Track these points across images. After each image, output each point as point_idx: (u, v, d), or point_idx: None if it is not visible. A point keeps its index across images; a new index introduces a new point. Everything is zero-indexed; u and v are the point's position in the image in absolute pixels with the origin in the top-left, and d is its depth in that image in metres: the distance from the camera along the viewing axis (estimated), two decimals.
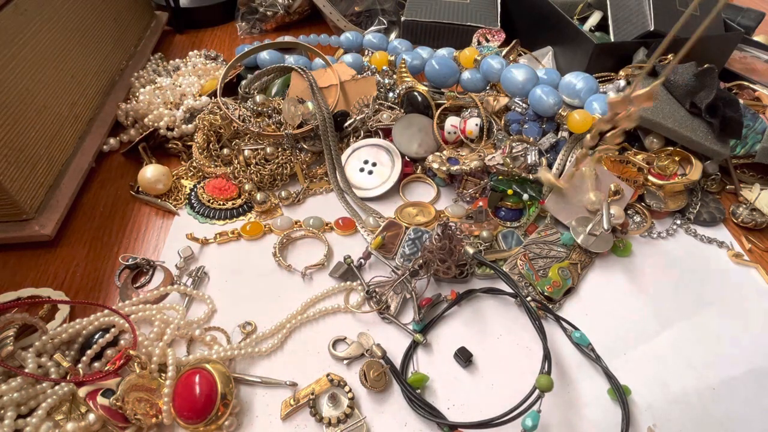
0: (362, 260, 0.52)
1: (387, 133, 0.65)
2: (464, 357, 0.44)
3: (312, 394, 0.41)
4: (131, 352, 0.40)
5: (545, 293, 0.49)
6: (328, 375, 0.42)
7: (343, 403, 0.41)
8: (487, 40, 0.77)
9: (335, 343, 0.46)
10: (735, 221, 0.59)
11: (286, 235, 0.54)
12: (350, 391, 0.41)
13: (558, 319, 0.47)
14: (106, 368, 0.41)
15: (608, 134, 0.46)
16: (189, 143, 0.65)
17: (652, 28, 0.67)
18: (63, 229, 0.55)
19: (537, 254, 0.52)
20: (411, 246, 0.52)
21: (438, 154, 0.60)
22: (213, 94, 0.68)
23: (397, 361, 0.44)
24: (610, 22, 0.73)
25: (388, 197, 0.60)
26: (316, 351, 0.45)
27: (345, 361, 0.44)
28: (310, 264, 0.51)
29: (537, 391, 0.38)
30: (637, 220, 0.58)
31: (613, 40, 0.72)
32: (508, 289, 0.49)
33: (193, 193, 0.59)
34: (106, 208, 0.59)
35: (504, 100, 0.65)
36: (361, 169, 0.62)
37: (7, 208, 0.51)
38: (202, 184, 0.60)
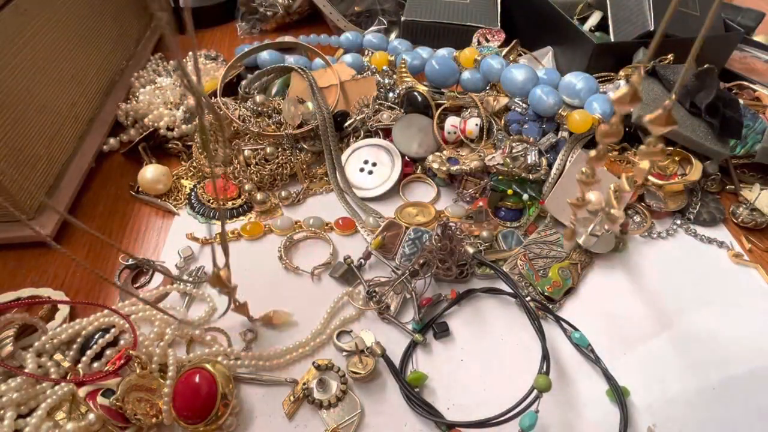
0: (362, 260, 0.52)
1: (387, 133, 0.65)
2: (440, 329, 0.46)
3: (304, 385, 0.41)
4: (131, 352, 0.40)
5: (545, 293, 0.49)
6: (314, 363, 0.42)
7: (332, 386, 0.42)
8: (487, 40, 0.77)
9: (340, 334, 0.46)
10: (735, 221, 0.59)
11: (289, 237, 0.54)
12: (339, 370, 0.42)
13: (558, 320, 0.47)
14: (106, 368, 0.41)
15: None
16: (189, 143, 0.65)
17: (652, 28, 0.67)
18: (63, 229, 0.55)
19: (537, 254, 0.52)
20: (411, 246, 0.52)
21: (438, 154, 0.60)
22: (213, 94, 0.68)
23: (397, 361, 0.44)
24: (610, 22, 0.73)
25: (388, 197, 0.60)
26: (314, 346, 0.45)
27: (344, 353, 0.45)
28: (316, 264, 0.52)
29: (535, 391, 0.38)
30: (637, 220, 0.58)
31: (613, 40, 0.72)
32: (508, 289, 0.49)
33: (193, 193, 0.59)
34: (106, 208, 0.59)
35: (504, 100, 0.65)
36: (361, 169, 0.62)
37: (7, 208, 0.51)
38: (202, 184, 0.60)
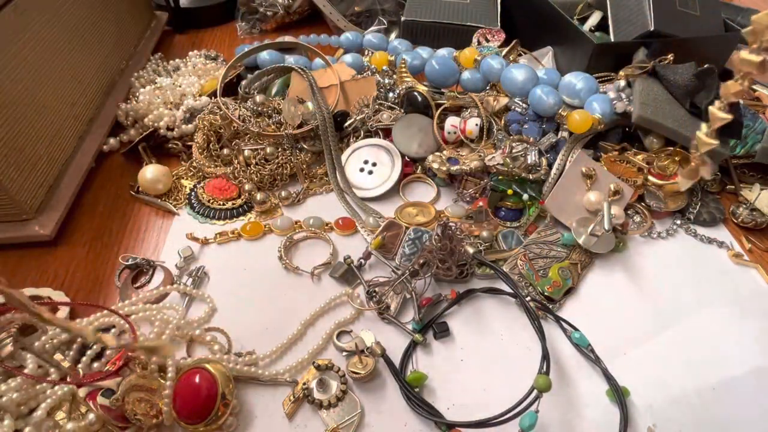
0: (362, 260, 0.52)
1: (387, 133, 0.65)
2: (440, 329, 0.46)
3: (304, 384, 0.42)
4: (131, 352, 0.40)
5: (545, 293, 0.49)
6: (314, 363, 0.42)
7: (332, 386, 0.42)
8: (487, 40, 0.77)
9: (340, 334, 0.46)
10: (735, 221, 0.59)
11: (289, 237, 0.54)
12: (339, 370, 0.42)
13: (558, 320, 0.47)
14: (106, 368, 0.41)
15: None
16: (189, 143, 0.65)
17: (652, 28, 0.67)
18: (63, 229, 0.55)
19: (537, 254, 0.52)
20: (411, 246, 0.52)
21: (438, 154, 0.60)
22: (213, 94, 0.68)
23: (397, 361, 0.44)
24: (610, 22, 0.73)
25: (388, 197, 0.60)
26: (313, 346, 0.45)
27: (344, 353, 0.45)
28: (316, 264, 0.52)
29: (535, 391, 0.38)
30: (637, 220, 0.58)
31: (613, 40, 0.71)
32: (508, 289, 0.49)
33: (193, 193, 0.59)
34: (106, 208, 0.59)
35: (504, 100, 0.65)
36: (361, 169, 0.62)
37: (7, 208, 0.51)
38: (202, 184, 0.60)
